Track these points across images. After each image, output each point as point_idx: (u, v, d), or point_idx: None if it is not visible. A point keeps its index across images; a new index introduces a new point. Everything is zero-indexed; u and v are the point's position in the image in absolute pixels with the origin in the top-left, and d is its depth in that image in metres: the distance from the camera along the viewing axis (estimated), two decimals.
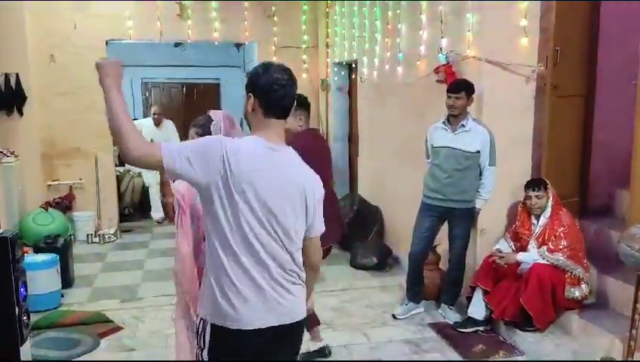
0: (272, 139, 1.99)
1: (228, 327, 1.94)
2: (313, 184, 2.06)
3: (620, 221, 4.50)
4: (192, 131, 2.64)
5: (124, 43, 7.44)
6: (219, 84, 10.92)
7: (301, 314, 2.08)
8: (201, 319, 2.00)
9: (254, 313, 1.94)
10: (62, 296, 4.81)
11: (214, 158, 1.87)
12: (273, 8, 7.55)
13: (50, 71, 6.89)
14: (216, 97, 11.00)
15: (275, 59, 7.70)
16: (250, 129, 2.07)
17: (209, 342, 1.97)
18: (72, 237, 6.18)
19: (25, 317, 3.08)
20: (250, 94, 1.99)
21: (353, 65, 7.12)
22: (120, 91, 1.89)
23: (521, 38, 4.27)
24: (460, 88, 4.11)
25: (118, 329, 4.29)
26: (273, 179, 1.95)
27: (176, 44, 9.41)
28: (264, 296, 1.95)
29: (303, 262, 2.08)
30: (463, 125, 4.13)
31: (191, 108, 10.59)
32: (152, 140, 7.63)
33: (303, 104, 3.69)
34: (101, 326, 4.30)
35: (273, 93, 1.97)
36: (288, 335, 2.07)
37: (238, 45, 9.85)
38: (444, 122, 4.23)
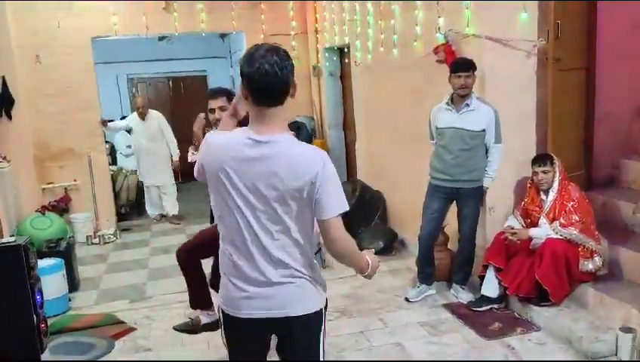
0: (260, 129, 1.91)
1: (227, 312, 2.06)
2: (309, 169, 1.87)
3: (626, 191, 4.54)
4: None
5: (109, 39, 7.30)
6: (205, 76, 10.79)
7: (298, 310, 2.01)
8: None
9: (242, 301, 2.00)
10: (69, 299, 4.75)
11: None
12: None
13: (36, 72, 6.74)
14: (203, 89, 10.84)
15: None
16: None
17: (222, 322, 2.11)
18: (73, 239, 6.09)
19: (43, 325, 3.02)
20: (242, 81, 1.92)
21: (345, 50, 7.05)
22: None
23: (520, 14, 4.24)
24: (469, 67, 4.04)
25: (130, 329, 4.24)
26: (249, 173, 1.89)
27: (161, 38, 9.26)
28: (251, 287, 1.98)
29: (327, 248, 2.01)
30: (468, 104, 4.10)
31: (178, 101, 10.48)
32: (129, 131, 7.68)
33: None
34: (113, 328, 4.25)
35: (259, 79, 1.84)
36: (285, 328, 2.04)
37: (222, 35, 9.74)
38: (447, 102, 4.20)
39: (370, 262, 2.11)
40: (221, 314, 2.11)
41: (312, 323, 2.06)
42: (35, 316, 2.92)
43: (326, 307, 2.14)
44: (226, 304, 2.06)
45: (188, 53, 10.22)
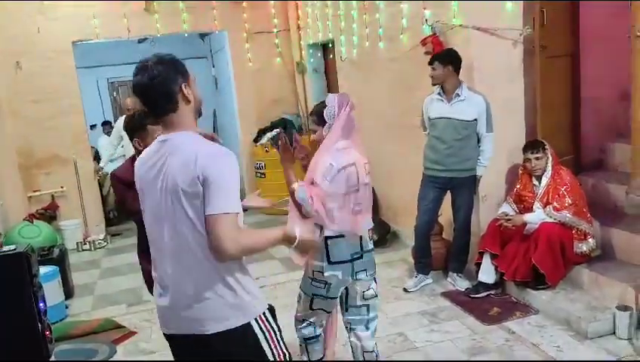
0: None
1: None
2: (193, 163, 1.82)
3: (614, 173, 4.63)
4: (310, 120, 2.89)
5: (88, 43, 7.21)
6: None
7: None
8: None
9: None
10: (66, 307, 4.70)
11: None
12: None
13: (17, 79, 6.64)
14: None
15: (246, 46, 7.61)
16: None
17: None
18: (65, 246, 6.02)
19: (47, 332, 3.00)
20: None
21: (330, 46, 7.06)
22: None
23: (506, 3, 4.30)
24: (433, 60, 4.20)
25: (131, 334, 4.22)
26: (157, 176, 1.91)
27: (140, 41, 9.17)
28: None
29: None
30: (458, 94, 4.16)
31: None
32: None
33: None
34: (113, 332, 4.23)
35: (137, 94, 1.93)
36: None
37: (202, 36, 9.66)
38: (439, 93, 4.25)
39: (298, 234, 2.06)
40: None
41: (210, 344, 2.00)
42: (39, 324, 2.88)
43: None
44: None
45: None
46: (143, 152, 2.06)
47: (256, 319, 1.96)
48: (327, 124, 2.82)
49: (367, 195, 2.83)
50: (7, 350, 2.68)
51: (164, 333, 2.07)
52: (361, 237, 2.80)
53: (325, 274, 2.77)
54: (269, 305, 2.06)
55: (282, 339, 2.05)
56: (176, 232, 1.87)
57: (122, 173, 2.91)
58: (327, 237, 2.73)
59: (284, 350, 2.04)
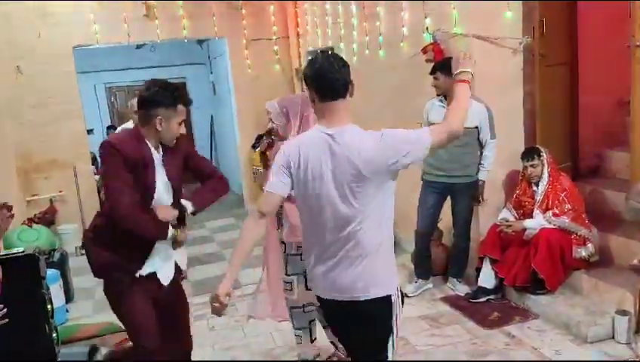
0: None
1: None
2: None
3: (612, 180, 4.70)
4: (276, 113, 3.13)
5: (85, 49, 7.24)
6: (185, 83, 10.74)
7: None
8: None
9: None
10: (67, 311, 4.70)
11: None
12: (240, 1, 7.47)
13: (17, 83, 6.65)
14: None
15: (246, 53, 7.66)
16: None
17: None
18: (65, 250, 6.02)
19: (55, 334, 3.01)
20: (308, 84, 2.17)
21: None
22: None
23: (505, 12, 4.37)
24: (435, 69, 4.25)
25: None
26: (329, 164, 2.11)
27: (138, 46, 9.21)
28: None
29: None
30: None
31: None
32: None
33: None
34: (116, 336, 4.21)
35: (322, 75, 2.12)
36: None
37: (200, 42, 9.72)
38: (440, 99, 4.30)
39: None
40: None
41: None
42: (47, 326, 2.90)
43: None
44: None
45: (166, 60, 10.18)
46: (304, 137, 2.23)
47: (395, 293, 2.20)
48: (290, 122, 3.10)
49: None
50: (18, 350, 2.69)
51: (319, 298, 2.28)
52: None
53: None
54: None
55: None
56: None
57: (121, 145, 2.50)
58: None
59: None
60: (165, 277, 2.68)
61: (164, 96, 2.48)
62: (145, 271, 2.57)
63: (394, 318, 2.20)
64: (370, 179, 2.09)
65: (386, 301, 2.17)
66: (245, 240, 2.16)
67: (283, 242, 3.31)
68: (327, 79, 2.10)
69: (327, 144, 2.11)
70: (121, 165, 2.40)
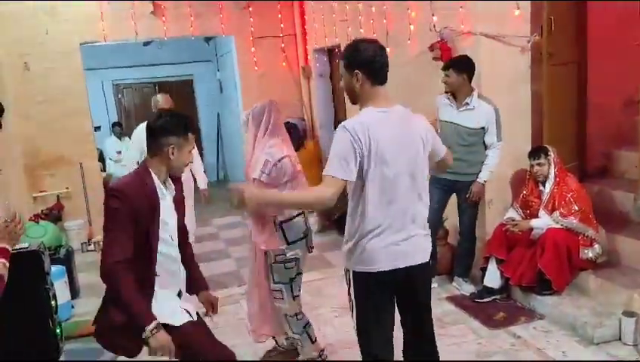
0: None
1: None
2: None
3: (620, 180, 4.66)
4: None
5: (92, 46, 7.25)
6: (192, 80, 10.77)
7: None
8: None
9: None
10: (72, 306, 4.72)
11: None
12: (246, 1, 7.46)
13: (25, 79, 6.67)
14: (190, 93, 10.87)
15: (252, 51, 7.65)
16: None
17: None
18: (71, 247, 6.04)
19: (58, 330, 3.02)
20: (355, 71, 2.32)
21: (335, 50, 7.10)
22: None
23: (514, 10, 4.34)
24: (448, 66, 4.22)
25: None
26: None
27: (146, 43, 9.23)
28: None
29: None
30: (467, 103, 4.18)
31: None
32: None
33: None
34: None
35: (379, 59, 2.34)
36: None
37: (207, 39, 9.73)
38: (448, 97, 4.27)
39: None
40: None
41: None
42: (50, 321, 2.90)
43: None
44: None
45: (173, 57, 10.20)
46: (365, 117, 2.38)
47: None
48: (259, 128, 3.25)
49: (303, 181, 3.25)
50: (21, 346, 2.70)
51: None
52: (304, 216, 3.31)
53: (288, 254, 3.21)
54: None
55: None
56: None
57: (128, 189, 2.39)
58: (281, 222, 3.17)
59: None
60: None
61: (176, 124, 2.43)
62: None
63: None
64: (424, 157, 2.41)
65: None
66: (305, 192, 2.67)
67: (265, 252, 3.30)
68: (380, 64, 2.32)
69: (391, 121, 2.34)
70: (122, 214, 2.30)
